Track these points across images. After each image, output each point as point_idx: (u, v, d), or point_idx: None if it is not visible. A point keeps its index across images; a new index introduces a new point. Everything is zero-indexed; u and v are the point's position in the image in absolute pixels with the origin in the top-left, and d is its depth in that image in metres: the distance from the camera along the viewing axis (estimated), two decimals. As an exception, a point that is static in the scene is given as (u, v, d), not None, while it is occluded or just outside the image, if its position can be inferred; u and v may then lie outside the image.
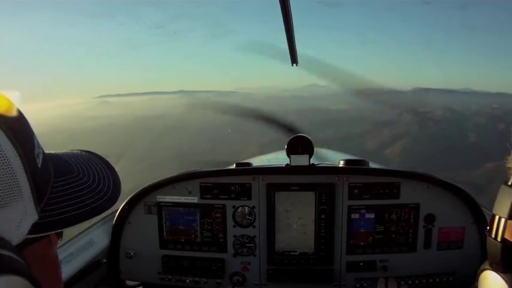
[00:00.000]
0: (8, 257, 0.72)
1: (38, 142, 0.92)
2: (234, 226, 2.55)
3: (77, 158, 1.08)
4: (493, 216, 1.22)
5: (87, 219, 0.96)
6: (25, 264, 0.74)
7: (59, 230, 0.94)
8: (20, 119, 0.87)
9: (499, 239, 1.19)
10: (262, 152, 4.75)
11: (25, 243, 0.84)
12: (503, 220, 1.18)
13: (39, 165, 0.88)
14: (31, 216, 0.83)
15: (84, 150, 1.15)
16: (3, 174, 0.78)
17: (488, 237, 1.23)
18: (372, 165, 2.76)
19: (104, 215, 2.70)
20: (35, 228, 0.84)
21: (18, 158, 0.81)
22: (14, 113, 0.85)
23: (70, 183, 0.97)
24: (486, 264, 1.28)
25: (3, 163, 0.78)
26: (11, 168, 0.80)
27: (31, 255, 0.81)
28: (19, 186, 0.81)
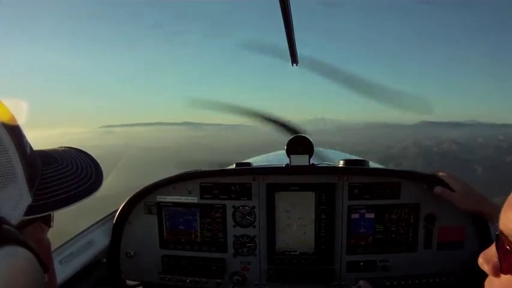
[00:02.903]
0: (12, 230, 0.77)
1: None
2: (234, 226, 2.55)
3: (57, 151, 1.15)
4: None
5: (77, 201, 1.01)
6: (27, 239, 0.79)
7: (52, 211, 0.99)
8: (9, 110, 0.92)
9: None
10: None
11: (21, 226, 0.88)
12: None
13: (28, 153, 0.94)
14: (26, 198, 0.88)
15: (61, 146, 1.21)
16: (0, 156, 0.83)
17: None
18: (372, 165, 2.77)
19: (103, 215, 2.73)
20: (30, 210, 0.89)
21: (11, 141, 0.86)
22: (3, 105, 0.91)
23: (57, 170, 1.03)
24: None
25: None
26: (6, 150, 0.85)
27: (28, 237, 0.84)
28: (14, 169, 0.86)
